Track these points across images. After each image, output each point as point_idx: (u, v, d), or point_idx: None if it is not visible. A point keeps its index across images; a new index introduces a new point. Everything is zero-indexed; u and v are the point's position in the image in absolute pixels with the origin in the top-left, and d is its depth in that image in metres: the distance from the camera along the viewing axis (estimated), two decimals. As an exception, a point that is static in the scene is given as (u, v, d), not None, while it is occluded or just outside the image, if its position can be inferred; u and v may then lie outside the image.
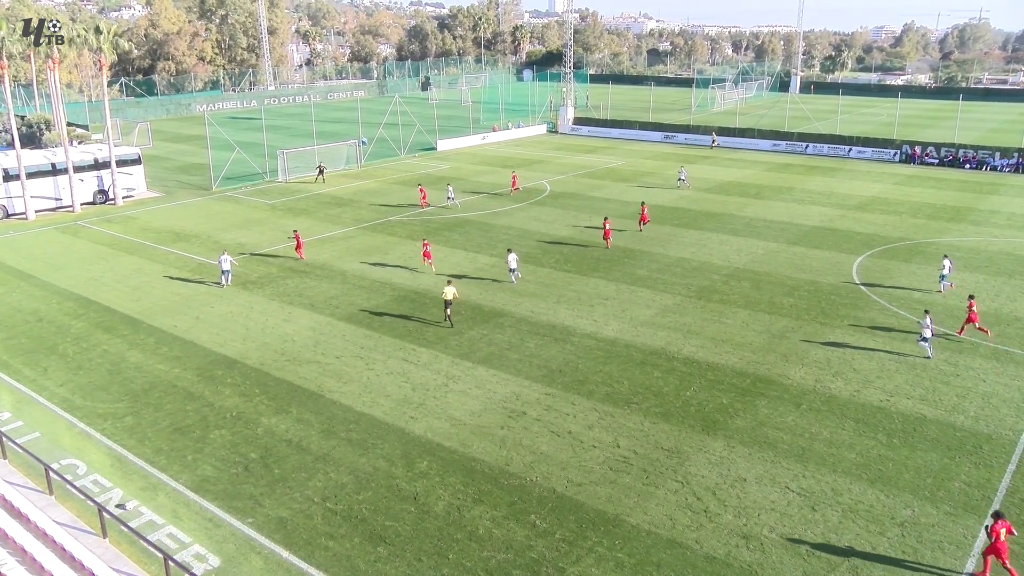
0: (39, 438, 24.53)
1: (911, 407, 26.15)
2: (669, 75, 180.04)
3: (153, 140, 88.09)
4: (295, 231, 44.81)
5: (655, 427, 24.82)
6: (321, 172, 65.32)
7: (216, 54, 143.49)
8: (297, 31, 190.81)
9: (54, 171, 54.72)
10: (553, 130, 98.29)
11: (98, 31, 56.04)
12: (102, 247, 46.15)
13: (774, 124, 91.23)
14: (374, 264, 41.96)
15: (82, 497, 20.59)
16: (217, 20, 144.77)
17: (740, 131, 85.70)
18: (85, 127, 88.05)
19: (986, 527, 19.03)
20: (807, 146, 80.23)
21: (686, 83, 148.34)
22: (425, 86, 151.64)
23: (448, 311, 33.00)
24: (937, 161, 72.93)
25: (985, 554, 18.42)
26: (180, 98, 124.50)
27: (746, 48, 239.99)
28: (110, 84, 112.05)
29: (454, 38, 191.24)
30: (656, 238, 46.71)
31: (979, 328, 31.36)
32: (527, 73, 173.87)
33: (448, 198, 55.43)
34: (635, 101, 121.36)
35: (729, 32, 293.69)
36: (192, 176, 68.34)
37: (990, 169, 70.34)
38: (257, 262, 42.60)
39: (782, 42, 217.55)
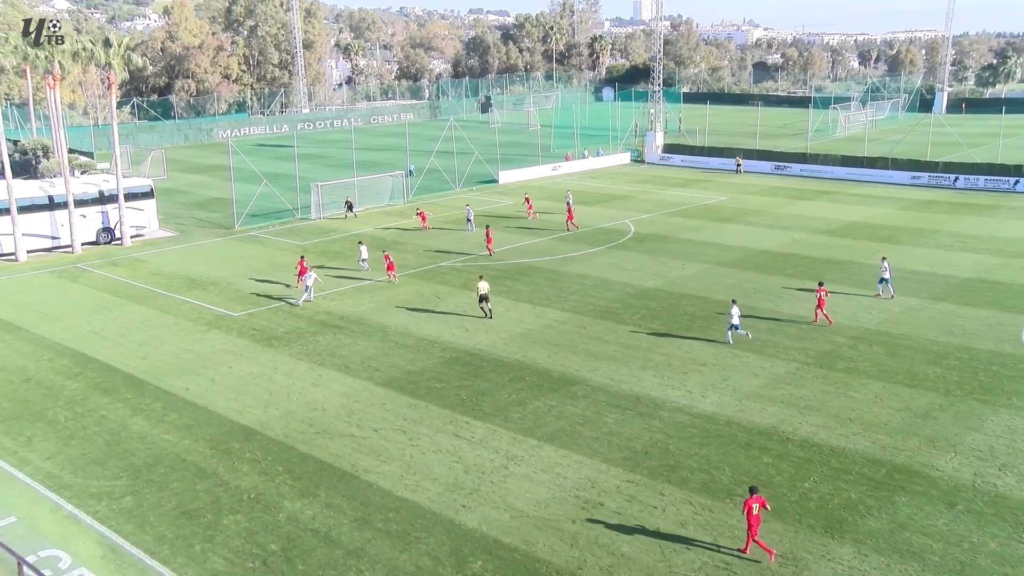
0: (14, 524, 24.82)
1: (1099, 510, 24.81)
2: (780, 93, 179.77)
3: (168, 170, 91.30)
4: (302, 257, 47.85)
5: (765, 526, 24.08)
6: (350, 208, 66.91)
7: (243, 71, 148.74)
8: (337, 45, 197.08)
9: (51, 205, 56.82)
10: (639, 159, 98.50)
11: (107, 44, 58.40)
12: (105, 294, 47.55)
13: (913, 152, 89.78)
14: (421, 318, 42.26)
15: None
16: (245, 32, 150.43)
17: (869, 160, 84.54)
18: (90, 155, 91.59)
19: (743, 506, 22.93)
20: (956, 178, 78.67)
21: (801, 103, 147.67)
22: (485, 107, 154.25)
23: (483, 304, 41.61)
24: None
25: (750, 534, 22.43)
26: (200, 122, 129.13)
27: (877, 60, 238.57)
28: (120, 105, 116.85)
29: (520, 51, 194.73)
30: (764, 291, 46.03)
31: (824, 315, 40.35)
32: (607, 92, 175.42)
33: (361, 260, 51.29)
34: (738, 125, 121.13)
35: (855, 41, 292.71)
36: (212, 213, 70.30)
37: None
38: (283, 314, 43.30)
39: (924, 51, 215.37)
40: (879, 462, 27.57)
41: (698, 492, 25.93)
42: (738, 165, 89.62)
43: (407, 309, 43.85)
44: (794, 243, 57.13)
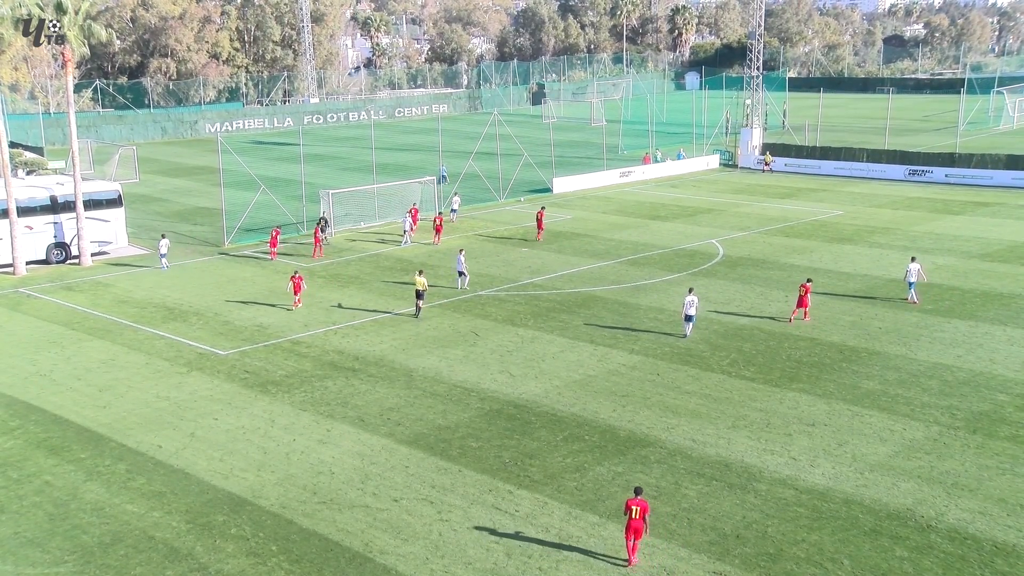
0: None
1: None
2: (920, 75, 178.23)
3: (140, 172, 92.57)
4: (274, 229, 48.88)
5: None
6: (323, 229, 63.94)
7: (236, 50, 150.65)
8: (354, 18, 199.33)
9: (-16, 214, 57.35)
10: (730, 163, 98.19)
11: (61, 9, 57.76)
12: (56, 327, 48.16)
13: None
14: (455, 360, 42.35)
15: None
16: (238, 1, 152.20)
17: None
18: (39, 150, 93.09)
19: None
20: None
21: (949, 87, 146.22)
22: (537, 98, 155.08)
23: (419, 303, 47.57)
24: None
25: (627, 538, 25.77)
26: (182, 112, 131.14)
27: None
28: (78, 89, 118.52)
29: (582, 27, 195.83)
30: (896, 331, 45.52)
31: (794, 313, 46.84)
32: (692, 78, 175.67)
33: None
34: (861, 118, 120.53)
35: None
36: (196, 225, 71.15)
37: None
38: (284, 353, 43.61)
39: None
40: (1052, 559, 26.90)
41: (805, 587, 25.60)
42: (766, 163, 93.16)
43: (438, 348, 43.95)
44: (936, 270, 56.29)
